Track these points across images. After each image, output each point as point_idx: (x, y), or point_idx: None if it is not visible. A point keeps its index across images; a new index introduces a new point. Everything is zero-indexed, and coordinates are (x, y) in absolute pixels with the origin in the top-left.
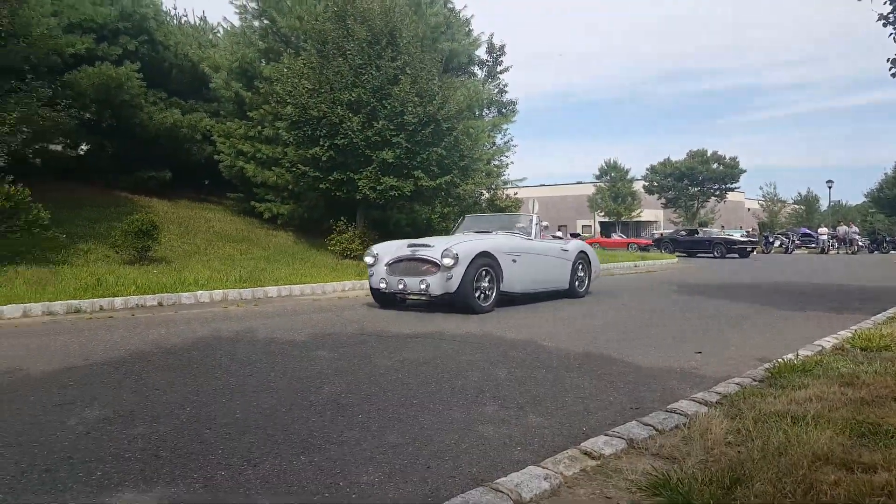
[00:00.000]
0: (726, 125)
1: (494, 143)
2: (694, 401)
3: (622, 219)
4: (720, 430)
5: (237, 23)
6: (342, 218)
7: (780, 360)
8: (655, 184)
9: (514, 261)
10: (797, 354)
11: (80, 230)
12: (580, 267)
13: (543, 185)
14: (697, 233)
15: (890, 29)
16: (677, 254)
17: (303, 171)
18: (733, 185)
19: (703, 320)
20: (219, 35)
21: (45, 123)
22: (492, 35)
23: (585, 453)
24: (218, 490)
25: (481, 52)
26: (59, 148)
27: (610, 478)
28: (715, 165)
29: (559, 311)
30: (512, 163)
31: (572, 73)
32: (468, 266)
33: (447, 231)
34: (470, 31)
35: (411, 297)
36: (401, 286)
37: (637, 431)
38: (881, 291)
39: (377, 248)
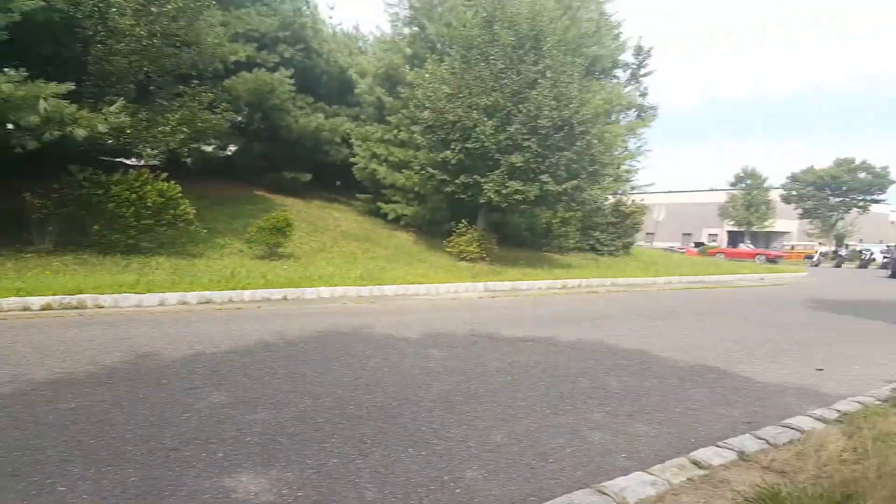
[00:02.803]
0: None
1: (626, 148)
2: (811, 417)
3: (752, 228)
4: (836, 447)
5: (388, 30)
6: (463, 220)
7: None
8: (794, 193)
9: None
10: None
11: (219, 225)
12: None
13: (671, 192)
14: None
15: None
16: None
17: (431, 174)
18: (879, 198)
19: (826, 337)
20: (369, 42)
21: (203, 126)
22: (640, 38)
23: (694, 463)
24: (329, 476)
25: (627, 57)
26: (209, 148)
27: (717, 488)
28: (862, 175)
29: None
30: (643, 168)
31: (722, 78)
32: None
33: (564, 237)
34: (618, 34)
35: None
36: None
37: (749, 444)
38: None
39: None
